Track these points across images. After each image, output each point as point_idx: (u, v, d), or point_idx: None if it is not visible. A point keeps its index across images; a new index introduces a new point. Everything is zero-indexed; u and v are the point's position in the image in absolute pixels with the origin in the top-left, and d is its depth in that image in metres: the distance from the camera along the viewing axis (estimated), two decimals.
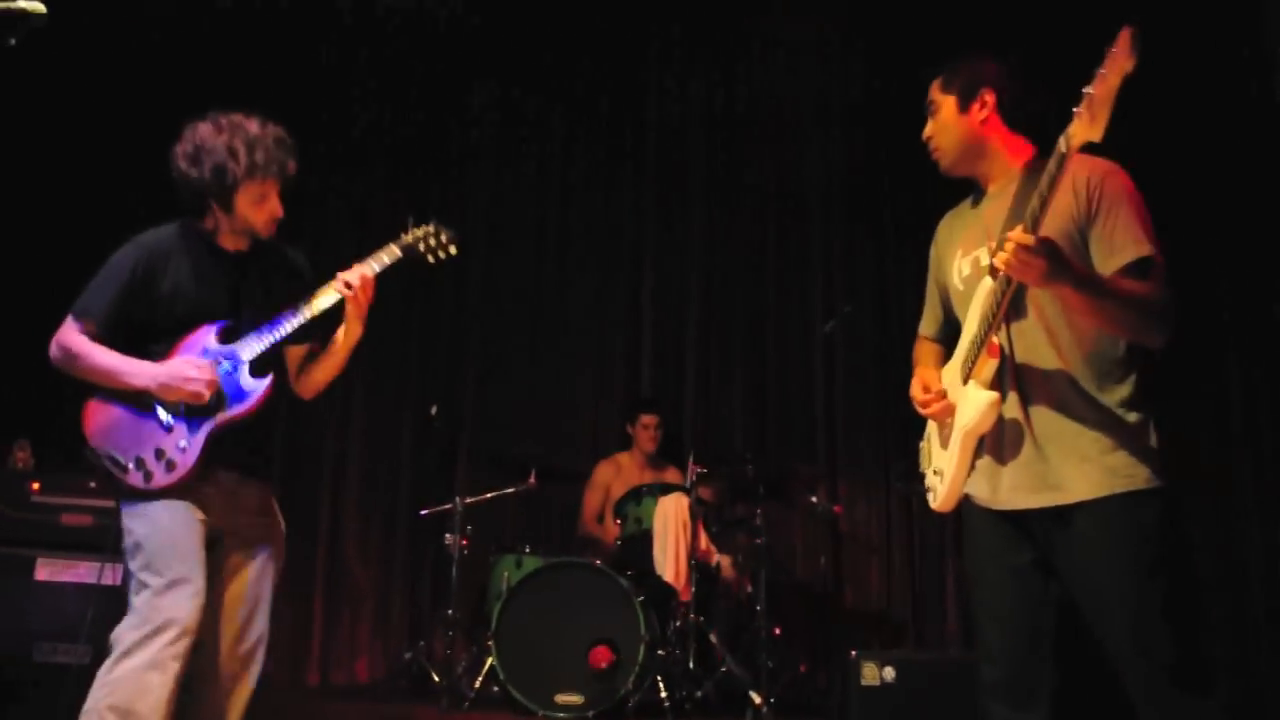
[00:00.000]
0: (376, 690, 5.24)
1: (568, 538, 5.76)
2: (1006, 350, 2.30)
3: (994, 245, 2.25)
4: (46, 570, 4.40)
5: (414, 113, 6.63)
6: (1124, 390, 2.22)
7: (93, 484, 4.52)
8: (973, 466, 2.35)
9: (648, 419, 5.76)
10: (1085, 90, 1.91)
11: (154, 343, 2.77)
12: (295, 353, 3.07)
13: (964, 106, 2.43)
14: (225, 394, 2.76)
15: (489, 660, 4.52)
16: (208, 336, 2.80)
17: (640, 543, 4.91)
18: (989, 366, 2.28)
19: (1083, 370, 2.23)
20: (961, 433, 2.32)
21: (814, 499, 5.33)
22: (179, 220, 2.91)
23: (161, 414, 2.72)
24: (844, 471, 5.97)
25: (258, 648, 2.90)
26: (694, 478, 4.82)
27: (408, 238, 3.06)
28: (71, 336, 2.74)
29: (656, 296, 6.46)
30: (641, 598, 4.44)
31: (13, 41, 1.74)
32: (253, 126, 2.82)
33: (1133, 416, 2.20)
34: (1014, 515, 2.28)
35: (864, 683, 3.90)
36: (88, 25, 4.85)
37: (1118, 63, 1.86)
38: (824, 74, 6.50)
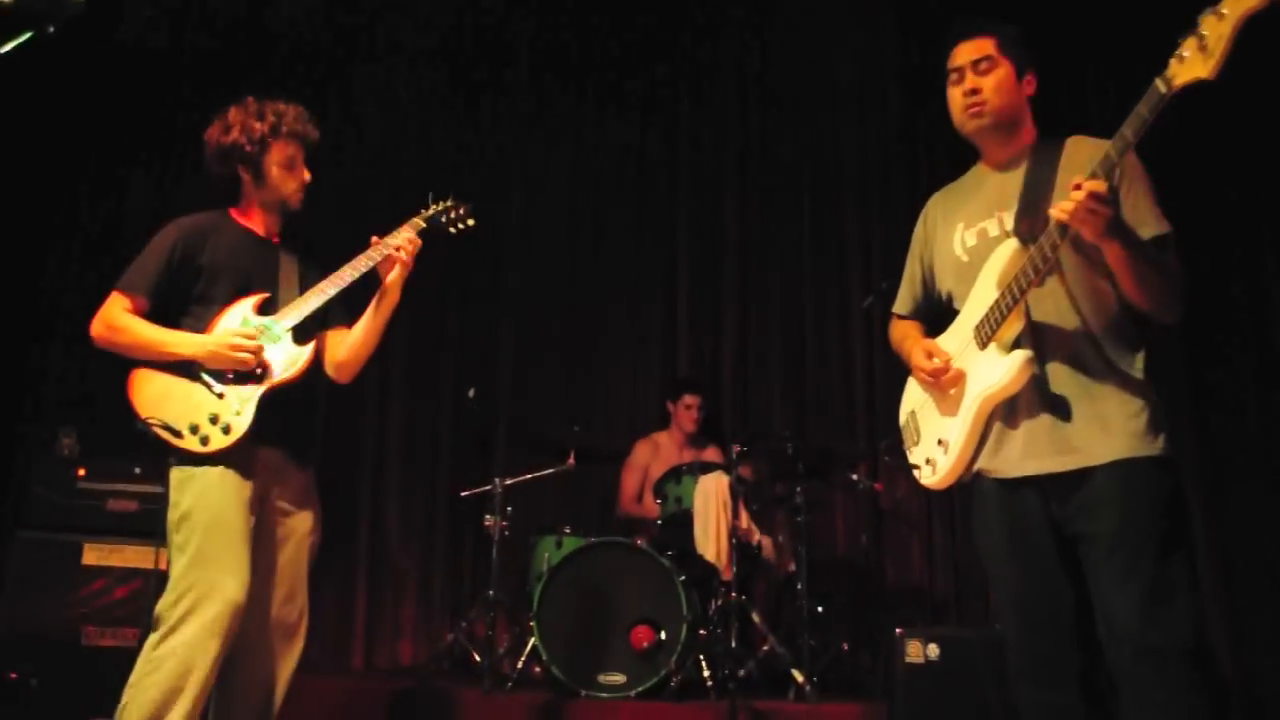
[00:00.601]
0: (419, 672, 5.27)
1: (607, 518, 5.75)
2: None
3: (1006, 216, 2.34)
4: (93, 555, 4.46)
5: (449, 96, 6.64)
6: (1139, 360, 2.25)
7: (138, 469, 4.59)
8: (985, 435, 2.34)
9: (690, 399, 5.74)
10: (1199, 29, 1.86)
11: (194, 317, 2.86)
12: (331, 337, 3.12)
13: (1019, 77, 2.43)
14: (271, 361, 2.84)
15: (531, 641, 4.53)
16: (246, 309, 2.89)
17: (681, 522, 4.90)
18: (1014, 329, 2.27)
19: (1104, 336, 2.24)
20: (981, 398, 2.29)
21: (854, 476, 5.29)
22: (214, 208, 3.04)
23: (211, 381, 2.77)
24: (882, 448, 5.93)
25: (300, 620, 2.96)
26: (734, 456, 4.80)
27: (428, 211, 3.23)
28: (116, 312, 2.81)
29: (693, 275, 6.44)
30: (683, 577, 4.43)
31: (52, 30, 1.74)
32: (277, 103, 3.04)
33: (1147, 387, 2.22)
34: (1030, 482, 2.26)
35: (908, 660, 3.88)
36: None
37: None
38: (860, 48, 6.41)
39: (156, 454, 2.78)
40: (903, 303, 2.76)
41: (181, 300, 2.88)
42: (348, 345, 3.10)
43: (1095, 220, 2.03)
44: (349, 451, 6.20)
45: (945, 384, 2.41)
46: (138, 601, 4.32)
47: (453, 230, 3.28)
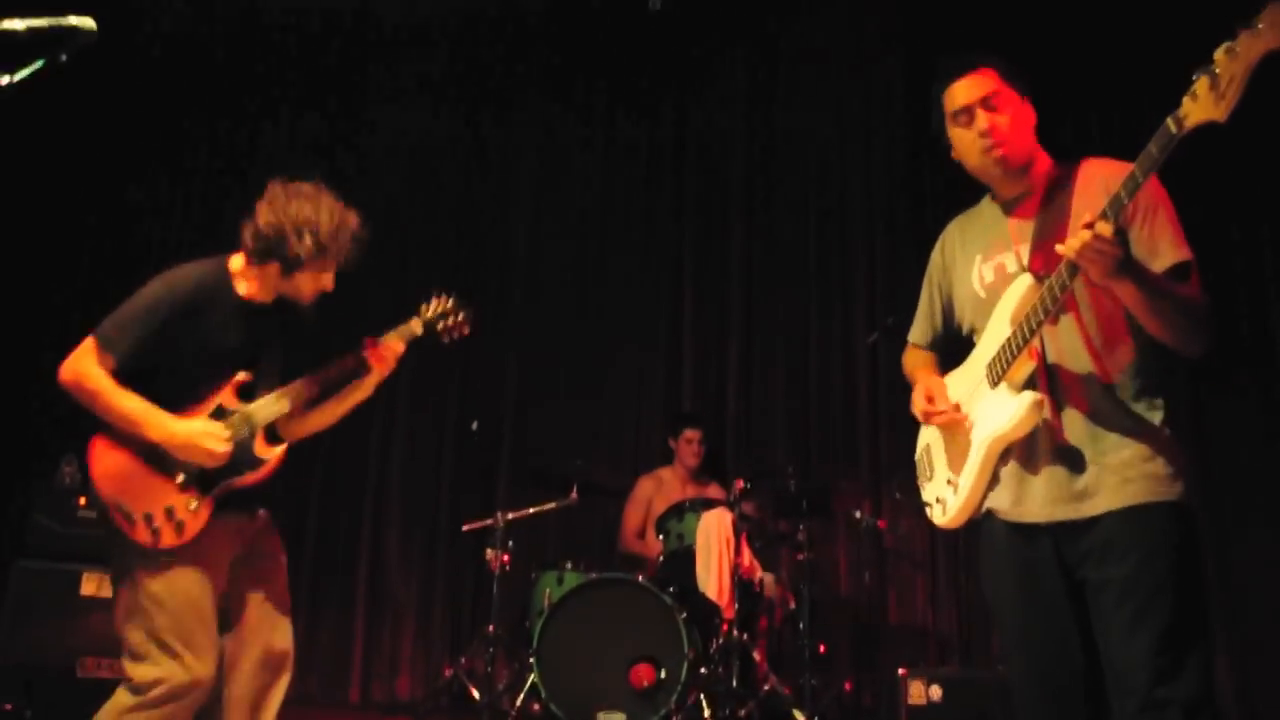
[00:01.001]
0: (417, 707, 5.23)
1: (609, 554, 5.73)
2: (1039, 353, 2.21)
3: (1024, 249, 2.25)
4: (92, 585, 4.43)
5: (456, 130, 6.69)
6: (1157, 400, 2.16)
7: None
8: (995, 477, 2.26)
9: (691, 433, 5.73)
10: (1211, 68, 1.79)
11: (169, 389, 2.73)
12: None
13: (1025, 103, 2.32)
14: (239, 460, 2.76)
15: (530, 677, 4.49)
16: (226, 394, 2.80)
17: (682, 559, 4.87)
18: (1025, 369, 2.19)
19: (1119, 376, 2.16)
20: (991, 439, 2.22)
21: (858, 514, 5.26)
22: (213, 258, 2.90)
23: (173, 470, 2.69)
24: (888, 486, 5.90)
25: (286, 658, 2.89)
26: (737, 493, 4.78)
27: (428, 314, 3.20)
28: (93, 370, 2.69)
29: (697, 311, 6.44)
30: (684, 614, 4.40)
31: (64, 57, 1.74)
32: (347, 216, 2.91)
33: (1167, 430, 2.14)
34: (1042, 528, 2.18)
35: (911, 702, 3.85)
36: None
37: (1261, 38, 1.74)
38: (863, 86, 6.45)
39: (103, 536, 2.72)
40: (919, 332, 2.64)
41: (158, 369, 2.74)
42: (306, 425, 3.07)
43: (1102, 261, 1.96)
44: (350, 483, 6.19)
45: (954, 423, 2.33)
46: None
47: (446, 339, 3.24)
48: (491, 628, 4.86)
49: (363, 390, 3.06)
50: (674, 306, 6.46)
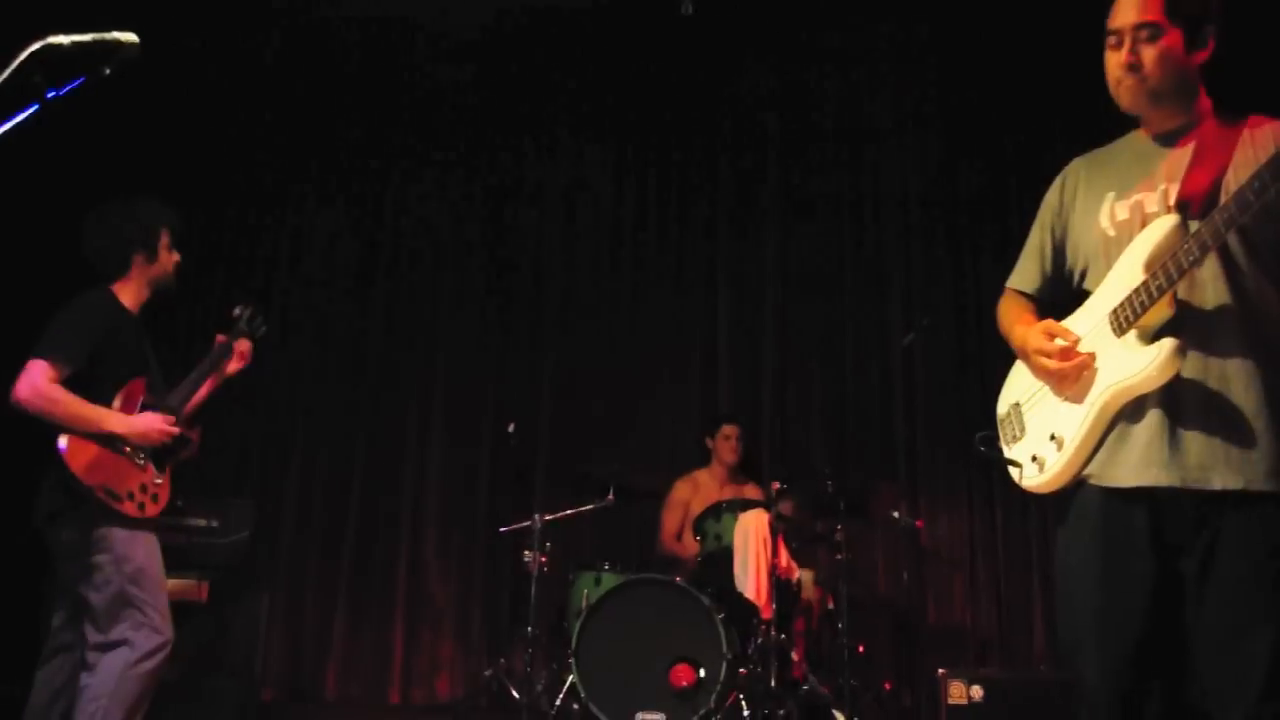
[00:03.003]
0: (456, 708, 5.26)
1: (646, 555, 5.73)
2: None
3: (1173, 189, 2.08)
4: None
5: (489, 134, 6.73)
6: None
7: (180, 503, 4.63)
8: (1103, 437, 2.06)
9: (729, 429, 5.73)
10: None
11: (94, 390, 3.18)
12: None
13: (1192, 44, 2.10)
14: (178, 440, 3.34)
15: (569, 678, 4.50)
16: (141, 390, 3.31)
17: (720, 559, 4.87)
18: (1159, 316, 2.00)
19: (1263, 343, 1.98)
20: (1113, 389, 2.02)
21: (895, 514, 5.24)
22: (96, 286, 3.39)
23: (134, 455, 3.20)
24: (925, 486, 5.88)
25: None
26: (774, 494, 4.77)
27: (245, 317, 3.72)
28: (46, 383, 3.10)
29: (732, 312, 6.43)
30: (722, 615, 4.40)
31: (108, 71, 1.78)
32: (150, 197, 3.52)
33: None
34: (1142, 495, 1.98)
35: (951, 702, 3.83)
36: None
37: None
38: (899, 83, 6.43)
39: (90, 512, 3.09)
40: (1025, 277, 2.39)
41: (87, 369, 3.18)
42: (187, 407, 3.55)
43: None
44: (389, 487, 6.23)
45: (1069, 372, 2.11)
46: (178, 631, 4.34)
47: (253, 336, 3.73)
48: (530, 628, 4.88)
49: (221, 377, 3.60)
50: (710, 309, 6.45)
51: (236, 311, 3.73)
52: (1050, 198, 2.37)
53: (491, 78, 6.75)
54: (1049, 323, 2.21)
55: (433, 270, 6.55)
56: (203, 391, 3.57)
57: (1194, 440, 1.95)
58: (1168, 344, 1.95)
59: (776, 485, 4.79)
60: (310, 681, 5.85)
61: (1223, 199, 1.95)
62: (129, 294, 3.43)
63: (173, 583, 4.44)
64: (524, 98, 6.75)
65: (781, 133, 6.58)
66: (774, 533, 4.67)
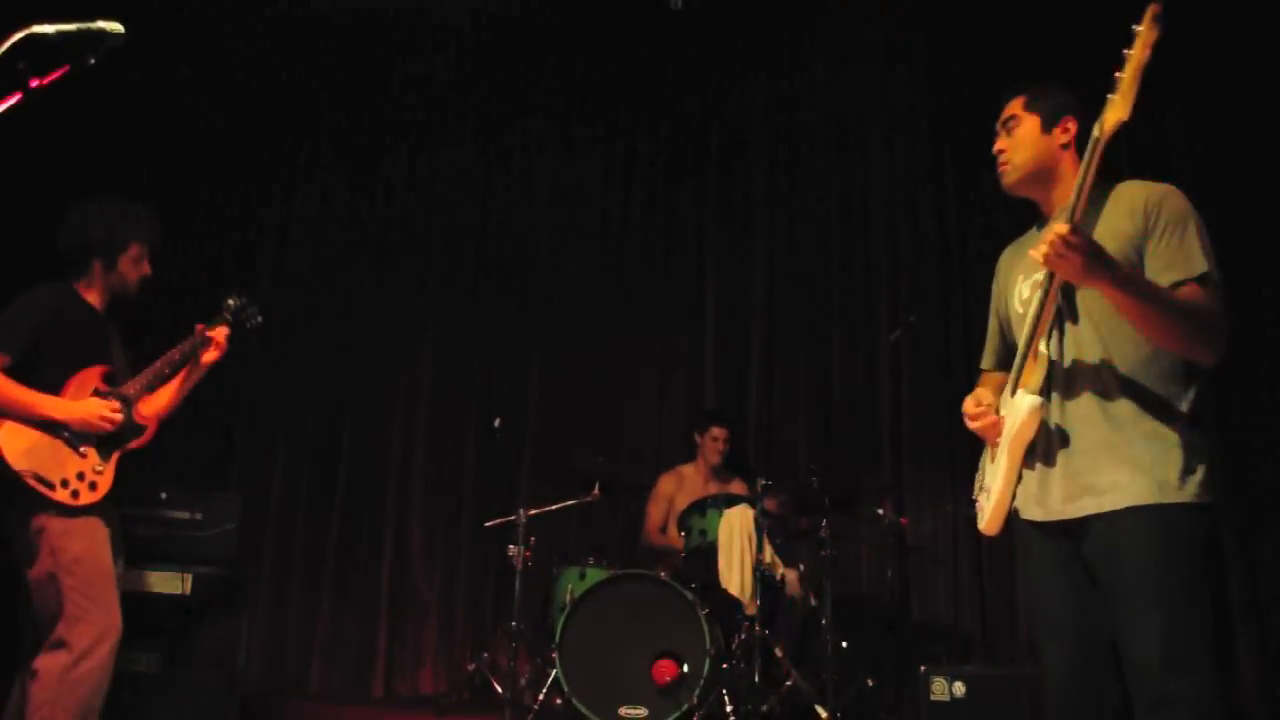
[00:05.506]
0: (440, 701, 5.25)
1: (631, 550, 5.74)
2: (1055, 356, 2.30)
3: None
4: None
5: (480, 115, 6.72)
6: (1178, 403, 2.20)
7: (164, 495, 4.61)
8: (1019, 480, 2.35)
9: (718, 431, 5.73)
10: (1116, 75, 1.99)
11: (40, 376, 3.19)
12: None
13: (1047, 128, 2.43)
14: (127, 429, 3.33)
15: (553, 672, 4.51)
16: (95, 378, 3.32)
17: (705, 555, 4.88)
18: (1036, 373, 2.29)
19: (1136, 378, 2.21)
20: (1008, 441, 2.31)
21: (880, 511, 5.26)
22: (61, 280, 3.41)
23: (76, 443, 3.19)
24: (910, 483, 5.89)
25: None
26: (759, 489, 4.78)
27: (235, 305, 3.74)
28: None
29: (720, 308, 6.43)
30: (706, 610, 4.40)
31: (93, 61, 1.77)
32: (136, 206, 3.49)
33: (1185, 429, 2.18)
34: (1063, 526, 2.26)
35: (933, 698, 3.85)
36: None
37: (1143, 39, 1.96)
38: (887, 82, 6.42)
39: (20, 501, 3.09)
40: (987, 358, 2.75)
41: (36, 360, 3.20)
42: (157, 403, 3.54)
43: (1065, 264, 2.07)
44: (373, 479, 6.23)
45: (987, 430, 2.42)
46: (160, 627, 4.33)
47: (247, 326, 3.79)
48: (514, 622, 4.88)
49: (201, 372, 3.59)
50: (697, 304, 6.45)
51: (230, 301, 3.72)
52: (993, 286, 2.70)
53: (479, 70, 6.74)
54: (977, 393, 2.52)
55: (419, 264, 6.53)
56: (177, 382, 3.55)
57: (1089, 472, 2.22)
58: (1024, 397, 2.27)
59: (762, 481, 4.80)
60: (294, 674, 5.84)
61: None
62: (92, 293, 3.44)
63: (155, 576, 4.46)
64: (512, 92, 6.74)
65: (770, 129, 6.57)
66: (759, 529, 4.68)
